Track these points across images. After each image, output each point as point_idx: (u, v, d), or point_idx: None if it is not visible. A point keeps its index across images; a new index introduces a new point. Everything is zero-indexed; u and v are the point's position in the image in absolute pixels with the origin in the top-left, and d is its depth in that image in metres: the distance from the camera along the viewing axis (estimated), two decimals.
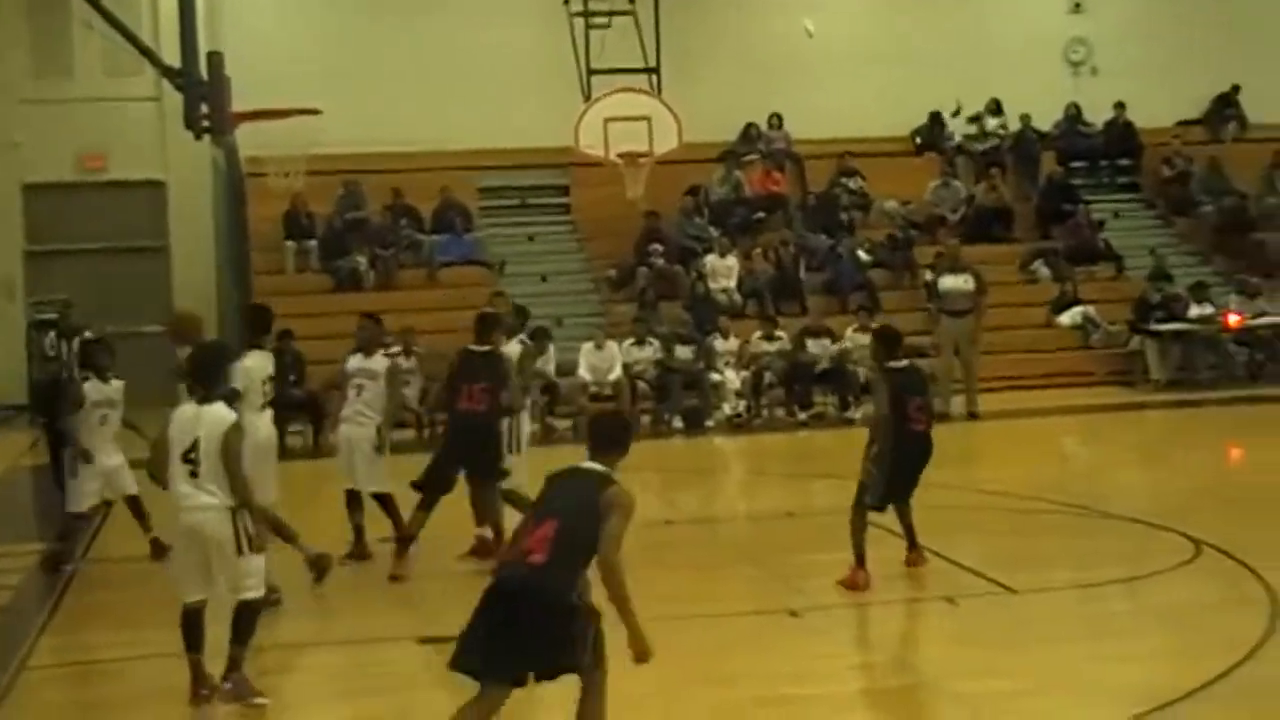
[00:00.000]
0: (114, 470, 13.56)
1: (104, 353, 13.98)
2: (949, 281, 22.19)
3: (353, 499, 13.06)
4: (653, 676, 9.65)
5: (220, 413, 8.76)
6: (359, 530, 12.98)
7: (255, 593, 8.90)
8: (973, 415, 21.54)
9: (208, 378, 8.98)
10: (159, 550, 12.98)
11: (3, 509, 18.10)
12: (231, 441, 8.69)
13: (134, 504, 13.59)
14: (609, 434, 7.64)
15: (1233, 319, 24.30)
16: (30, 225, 26.66)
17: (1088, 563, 12.06)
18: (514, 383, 12.93)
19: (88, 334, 17.53)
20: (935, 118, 28.69)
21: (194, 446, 8.67)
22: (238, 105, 21.75)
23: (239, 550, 8.74)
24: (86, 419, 13.44)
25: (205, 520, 8.67)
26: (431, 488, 12.54)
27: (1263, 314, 24.56)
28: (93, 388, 13.50)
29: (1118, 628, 10.51)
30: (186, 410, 8.88)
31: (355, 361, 13.28)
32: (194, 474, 8.66)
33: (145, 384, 24.71)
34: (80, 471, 13.43)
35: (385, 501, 12.88)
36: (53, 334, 18.39)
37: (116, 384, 13.62)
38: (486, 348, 12.79)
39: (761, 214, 26.87)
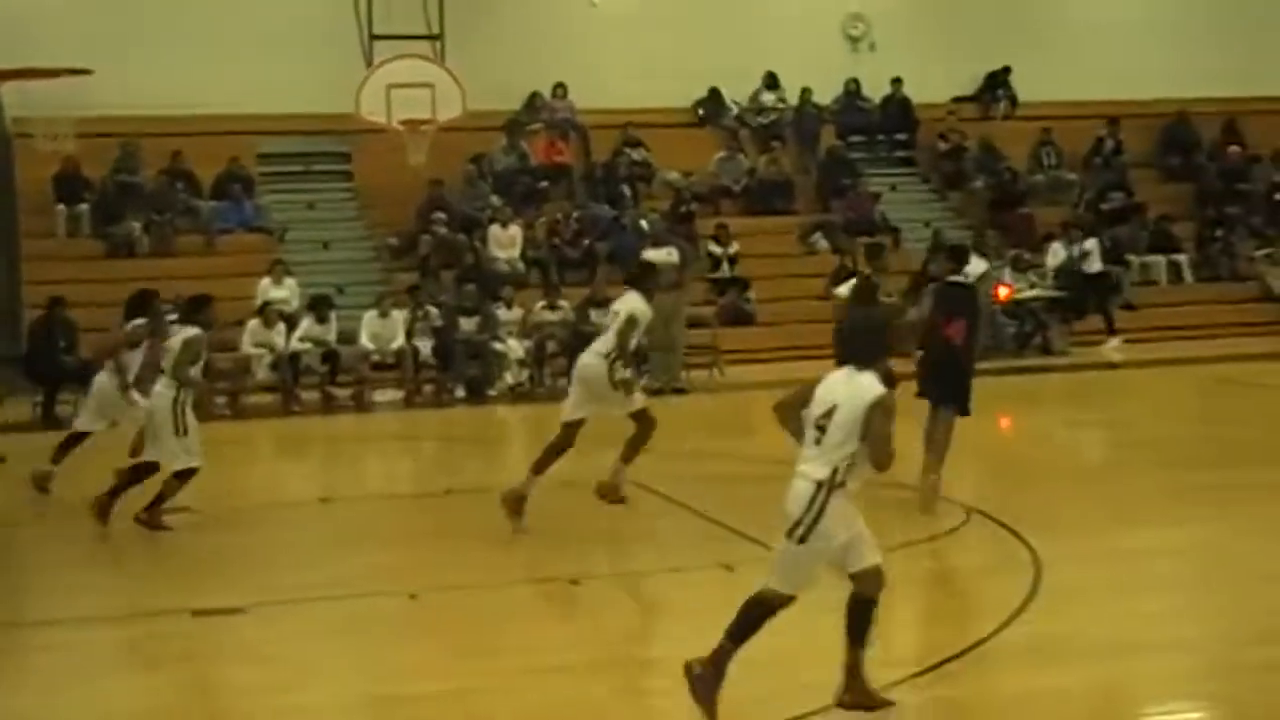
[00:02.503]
0: None
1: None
2: (653, 255, 22.26)
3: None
4: (433, 646, 9.65)
5: (868, 383, 7.86)
6: None
7: (873, 561, 7.98)
8: (677, 390, 21.59)
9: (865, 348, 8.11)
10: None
11: None
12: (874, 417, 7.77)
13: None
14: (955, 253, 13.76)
15: (1002, 292, 24.86)
16: None
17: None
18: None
19: None
20: (715, 92, 28.87)
21: (829, 413, 7.87)
22: (5, 63, 21.17)
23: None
24: None
25: (798, 489, 7.90)
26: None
27: (1033, 286, 25.28)
28: None
29: (891, 593, 10.70)
30: (838, 375, 7.99)
31: None
32: (818, 441, 7.90)
33: None
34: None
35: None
36: None
37: None
38: None
39: (545, 183, 26.82)
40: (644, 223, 25.91)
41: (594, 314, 22.64)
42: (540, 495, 14.92)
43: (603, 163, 27.52)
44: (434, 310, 22.54)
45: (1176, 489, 13.83)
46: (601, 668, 9.06)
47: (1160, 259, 26.95)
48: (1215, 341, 24.89)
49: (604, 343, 12.79)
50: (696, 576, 11.43)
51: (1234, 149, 29.54)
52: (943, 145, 29.06)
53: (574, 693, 8.62)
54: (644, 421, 12.85)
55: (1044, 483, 14.41)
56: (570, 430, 12.70)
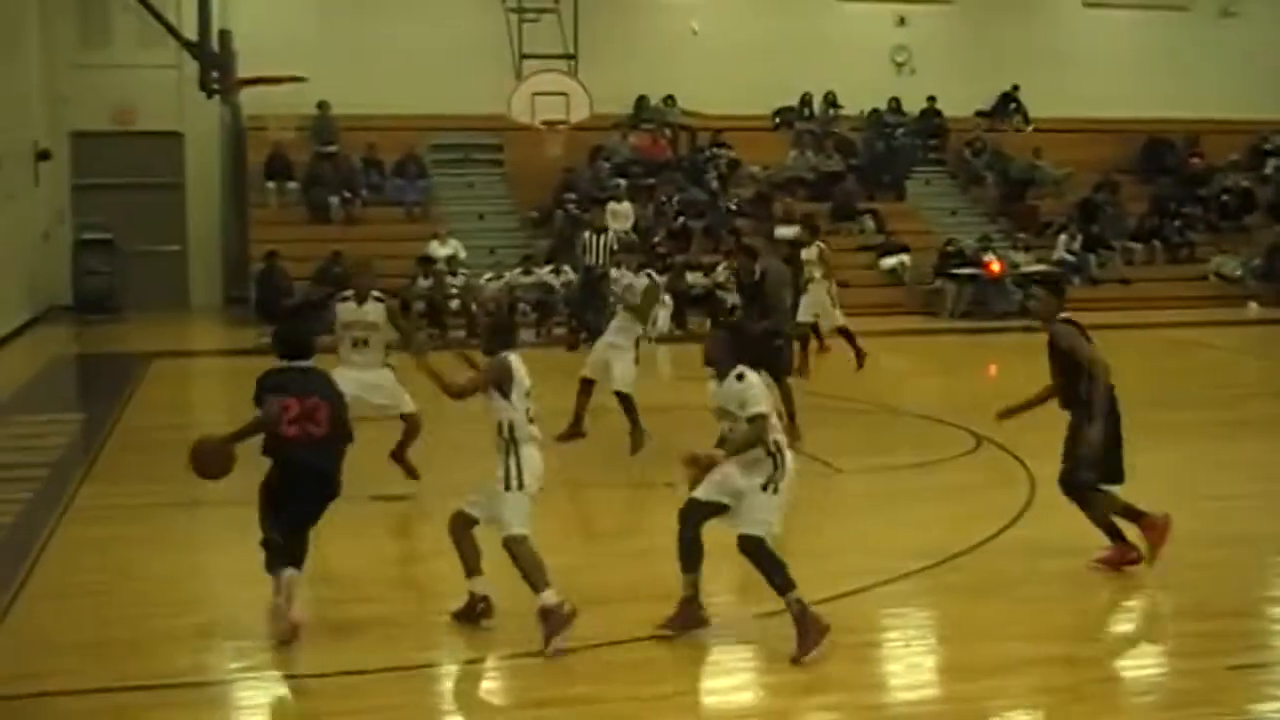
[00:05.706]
0: None
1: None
2: (782, 232, 22.07)
3: None
4: None
5: None
6: None
7: None
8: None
9: None
10: None
11: (51, 387, 17.90)
12: None
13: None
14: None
15: (995, 267, 24.62)
16: (75, 164, 26.03)
17: (890, 450, 12.27)
18: None
19: None
20: (804, 100, 28.60)
21: None
22: (243, 72, 21.55)
23: None
24: None
25: None
26: None
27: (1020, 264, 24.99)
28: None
29: (911, 501, 10.74)
30: None
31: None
32: None
33: (160, 292, 24.90)
34: None
35: None
36: None
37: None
38: None
39: (651, 180, 26.64)
40: (731, 203, 25.92)
41: (689, 275, 22.71)
42: None
43: (700, 157, 27.37)
44: (567, 268, 22.68)
45: None
46: None
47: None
48: None
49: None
50: None
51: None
52: (966, 151, 28.62)
53: None
54: None
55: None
56: None
